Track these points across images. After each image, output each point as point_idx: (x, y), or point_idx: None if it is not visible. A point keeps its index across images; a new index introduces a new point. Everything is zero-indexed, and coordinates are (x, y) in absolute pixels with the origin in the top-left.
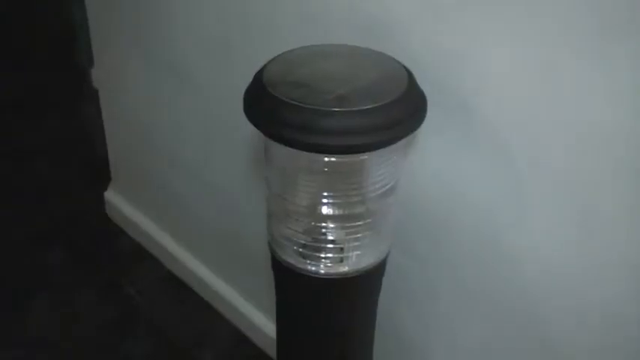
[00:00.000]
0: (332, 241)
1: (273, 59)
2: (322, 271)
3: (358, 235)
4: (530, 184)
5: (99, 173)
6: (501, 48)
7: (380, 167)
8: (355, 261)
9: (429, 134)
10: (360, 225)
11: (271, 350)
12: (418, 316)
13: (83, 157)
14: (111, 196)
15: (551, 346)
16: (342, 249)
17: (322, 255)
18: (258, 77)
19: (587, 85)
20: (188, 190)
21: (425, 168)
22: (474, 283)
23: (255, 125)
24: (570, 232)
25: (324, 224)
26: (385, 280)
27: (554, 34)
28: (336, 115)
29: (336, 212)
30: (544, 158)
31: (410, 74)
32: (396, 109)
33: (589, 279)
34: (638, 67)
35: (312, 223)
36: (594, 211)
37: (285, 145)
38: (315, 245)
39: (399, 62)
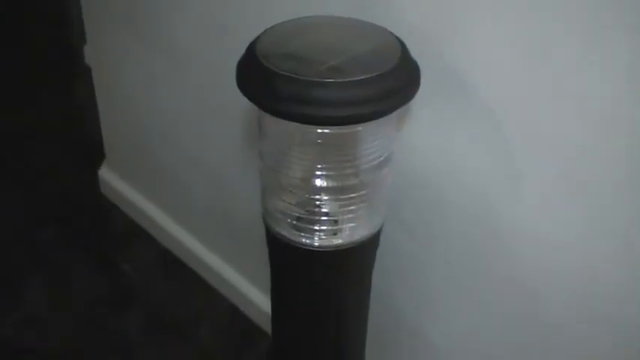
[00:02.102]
0: (326, 214)
1: (266, 31)
2: (316, 244)
3: (352, 208)
4: (524, 157)
5: (93, 151)
6: (495, 20)
7: (373, 139)
8: (349, 233)
9: (422, 106)
10: (353, 197)
11: (267, 325)
12: (412, 289)
13: (77, 136)
14: (105, 174)
15: (542, 321)
16: (336, 221)
17: (316, 227)
18: (251, 49)
19: (581, 56)
20: (183, 166)
21: (418, 141)
22: (466, 258)
23: (248, 97)
24: (564, 206)
25: (317, 197)
26: (379, 254)
27: (547, 4)
28: (329, 86)
29: (330, 184)
30: (538, 131)
31: (403, 45)
32: (390, 80)
33: (582, 253)
34: (631, 37)
35: (306, 196)
36: (589, 184)
37: (278, 117)
38: (309, 218)
39: (391, 33)
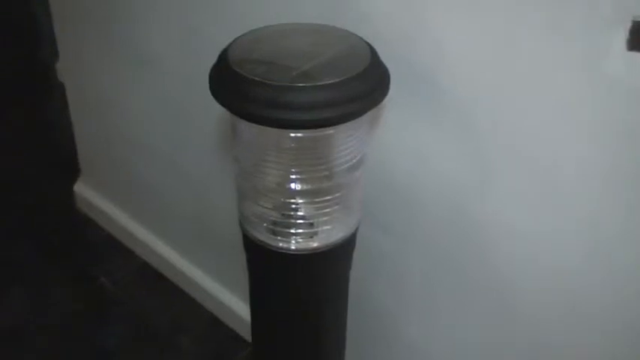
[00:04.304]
0: (302, 217)
1: (238, 38)
2: (293, 247)
3: (327, 210)
4: (493, 152)
5: (68, 166)
6: (461, 21)
7: (346, 141)
8: (325, 236)
9: (394, 108)
10: (328, 200)
11: (247, 334)
12: (389, 289)
13: (51, 151)
14: (81, 188)
15: (519, 318)
16: (312, 224)
17: (293, 231)
18: (223, 56)
19: (544, 54)
20: (159, 178)
21: (390, 142)
22: (442, 253)
23: (222, 103)
24: (535, 203)
25: (293, 200)
26: (355, 255)
27: (510, 5)
28: (301, 90)
29: (305, 187)
30: (505, 127)
31: (372, 49)
32: (360, 84)
33: (556, 249)
34: (589, 33)
35: (282, 200)
36: (558, 181)
37: (252, 122)
38: (285, 222)
39: (361, 38)
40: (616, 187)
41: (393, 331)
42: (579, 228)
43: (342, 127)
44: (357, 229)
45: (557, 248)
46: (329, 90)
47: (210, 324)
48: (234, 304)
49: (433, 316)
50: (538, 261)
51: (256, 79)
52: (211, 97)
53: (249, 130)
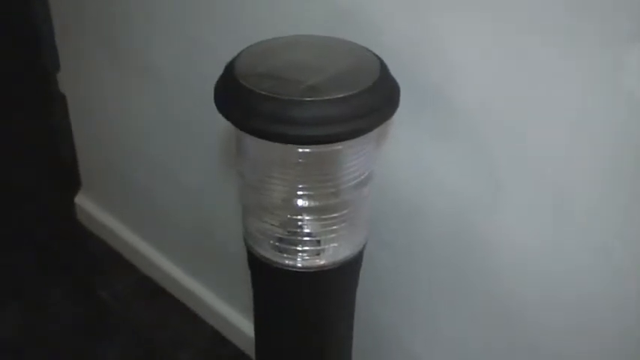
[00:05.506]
0: (308, 234)
1: (244, 51)
2: (299, 265)
3: (334, 227)
4: (503, 170)
5: (68, 178)
6: (471, 36)
7: (353, 157)
8: (332, 253)
9: (402, 124)
10: (335, 217)
11: (250, 350)
12: (394, 304)
13: (52, 163)
14: (81, 201)
15: (523, 332)
16: (318, 242)
17: (299, 248)
18: (229, 69)
19: (556, 69)
20: (161, 191)
21: (397, 157)
22: (450, 272)
23: (227, 118)
24: (543, 217)
25: (299, 217)
26: (361, 270)
27: (522, 19)
28: (309, 105)
29: (312, 204)
30: (516, 144)
31: (382, 63)
32: (369, 98)
33: (561, 264)
34: (604, 47)
35: (288, 216)
36: (567, 196)
37: (258, 137)
38: (291, 239)
39: (370, 51)
40: (629, 202)
41: (397, 346)
42: (590, 243)
43: (350, 143)
44: (364, 247)
45: (567, 263)
46: (338, 105)
47: (212, 340)
48: (236, 320)
49: (438, 332)
50: (546, 276)
51: (263, 93)
52: (213, 108)
53: (255, 145)
